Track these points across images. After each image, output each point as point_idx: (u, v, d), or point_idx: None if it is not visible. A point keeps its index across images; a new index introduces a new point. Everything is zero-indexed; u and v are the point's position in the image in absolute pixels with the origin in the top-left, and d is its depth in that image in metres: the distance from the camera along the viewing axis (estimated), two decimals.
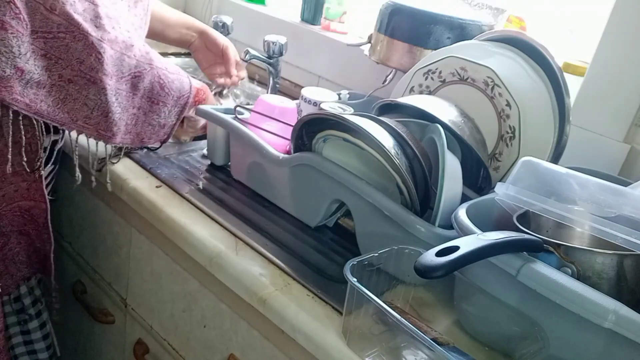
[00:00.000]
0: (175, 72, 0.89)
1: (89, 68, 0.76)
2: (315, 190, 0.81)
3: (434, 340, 0.57)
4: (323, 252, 0.79)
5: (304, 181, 0.82)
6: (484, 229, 0.61)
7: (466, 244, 0.55)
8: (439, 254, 0.54)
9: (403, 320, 0.55)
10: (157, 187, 0.88)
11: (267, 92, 1.27)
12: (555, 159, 0.87)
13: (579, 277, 0.57)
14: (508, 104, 0.82)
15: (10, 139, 0.78)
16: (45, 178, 0.90)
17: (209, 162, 0.99)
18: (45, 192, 0.89)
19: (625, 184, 0.68)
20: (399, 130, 0.74)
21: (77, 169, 0.86)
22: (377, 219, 0.73)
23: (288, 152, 0.85)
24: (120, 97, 0.81)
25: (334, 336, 0.63)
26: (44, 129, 0.83)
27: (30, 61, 0.72)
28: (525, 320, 0.58)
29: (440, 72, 0.88)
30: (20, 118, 0.78)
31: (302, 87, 1.02)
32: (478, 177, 0.83)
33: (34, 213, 0.89)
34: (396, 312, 0.55)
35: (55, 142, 0.91)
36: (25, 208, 0.88)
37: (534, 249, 0.59)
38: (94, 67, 0.76)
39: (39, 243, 0.93)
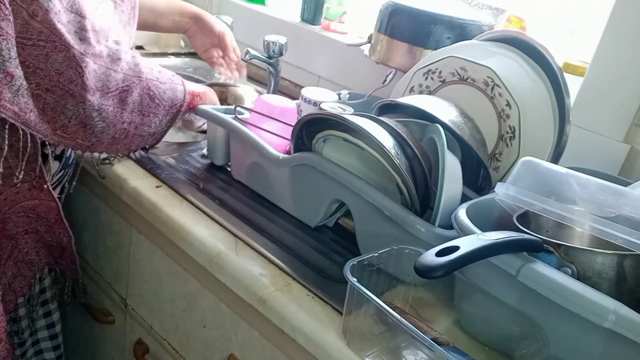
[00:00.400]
0: (168, 80, 0.87)
1: (68, 80, 0.73)
2: (315, 190, 0.81)
3: (434, 340, 0.57)
4: (323, 252, 0.79)
5: (304, 181, 0.82)
6: (484, 229, 0.61)
7: (466, 244, 0.55)
8: (439, 254, 0.54)
9: (403, 320, 0.55)
10: (157, 187, 0.88)
11: (267, 92, 1.27)
12: (555, 159, 0.87)
13: (579, 277, 0.57)
14: (508, 104, 0.82)
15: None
16: (54, 181, 0.89)
17: (209, 162, 0.99)
18: (52, 191, 0.87)
19: (625, 184, 0.68)
20: (399, 130, 0.74)
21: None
22: (377, 219, 0.73)
23: (288, 152, 0.85)
24: (105, 113, 0.78)
25: (334, 336, 0.63)
26: (29, 140, 0.79)
27: (20, 66, 0.70)
28: (525, 320, 0.58)
29: (440, 72, 0.88)
30: (7, 127, 0.75)
31: (302, 87, 1.02)
32: (478, 177, 0.83)
33: (40, 211, 0.88)
34: (396, 312, 0.55)
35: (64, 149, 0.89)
36: (29, 207, 0.87)
37: (534, 249, 0.59)
38: (73, 80, 0.74)
39: (50, 237, 0.92)
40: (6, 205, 0.84)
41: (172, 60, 1.49)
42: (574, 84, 0.91)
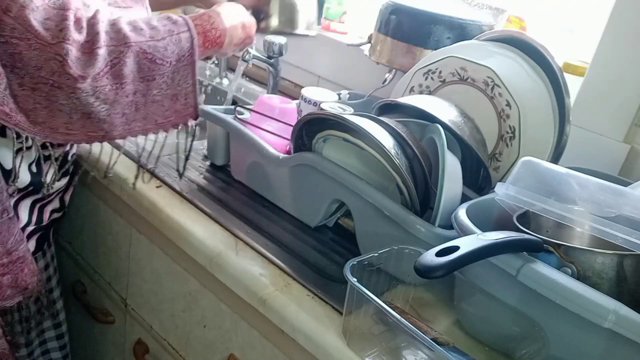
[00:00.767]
0: (167, 33, 0.76)
1: (50, 73, 0.68)
2: (315, 190, 0.81)
3: (434, 340, 0.57)
4: (323, 252, 0.79)
5: (304, 181, 0.82)
6: (484, 229, 0.61)
7: (466, 244, 0.55)
8: (439, 254, 0.54)
9: (403, 320, 0.55)
10: (157, 187, 0.88)
11: (267, 92, 1.27)
12: (555, 159, 0.87)
13: (579, 277, 0.57)
14: (508, 104, 0.82)
15: None
16: (59, 191, 0.87)
17: (209, 162, 0.99)
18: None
19: (625, 184, 0.68)
20: (399, 130, 0.74)
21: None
22: (377, 219, 0.73)
23: (288, 152, 0.85)
24: (103, 95, 0.71)
25: (334, 336, 0.63)
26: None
27: None
28: (525, 320, 0.58)
29: (440, 72, 0.88)
30: None
31: (302, 87, 1.01)
32: (478, 177, 0.83)
33: None
34: (396, 312, 0.55)
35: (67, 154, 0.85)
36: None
37: (534, 249, 0.59)
38: (56, 71, 0.68)
39: None
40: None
41: None
42: (574, 84, 0.91)
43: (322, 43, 1.35)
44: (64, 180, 0.88)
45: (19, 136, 0.76)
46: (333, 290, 0.70)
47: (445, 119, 0.78)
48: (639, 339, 0.50)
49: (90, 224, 1.03)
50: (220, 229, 0.80)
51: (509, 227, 0.64)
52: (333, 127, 0.77)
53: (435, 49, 0.94)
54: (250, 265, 0.73)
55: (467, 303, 0.66)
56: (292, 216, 0.86)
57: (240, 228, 0.80)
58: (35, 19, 0.66)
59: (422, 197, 0.74)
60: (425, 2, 1.00)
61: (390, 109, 0.86)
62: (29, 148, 0.78)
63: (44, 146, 0.80)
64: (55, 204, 0.89)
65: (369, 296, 0.57)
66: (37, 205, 0.85)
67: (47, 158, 0.82)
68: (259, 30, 0.93)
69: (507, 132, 0.83)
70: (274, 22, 0.99)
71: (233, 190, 0.91)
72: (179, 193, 0.86)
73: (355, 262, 0.62)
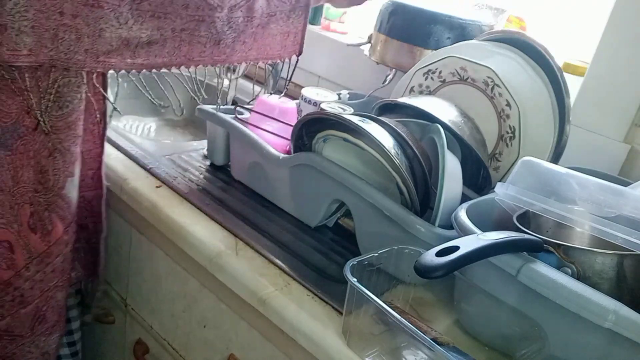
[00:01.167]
0: None
1: (195, 8, 0.75)
2: (315, 190, 0.81)
3: (434, 340, 0.57)
4: (323, 252, 0.79)
5: (304, 181, 0.82)
6: (484, 229, 0.61)
7: (466, 244, 0.55)
8: (439, 254, 0.54)
9: (403, 320, 0.55)
10: (157, 187, 0.88)
11: (267, 92, 1.27)
12: (555, 159, 0.87)
13: (579, 277, 0.57)
14: (508, 104, 0.82)
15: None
16: None
17: (209, 162, 0.99)
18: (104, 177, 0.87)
19: (625, 184, 0.68)
20: (399, 130, 0.74)
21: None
22: (377, 219, 0.73)
23: (288, 152, 0.85)
24: (235, 25, 0.79)
25: (334, 336, 0.63)
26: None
27: (134, 27, 0.71)
28: (525, 320, 0.58)
29: (440, 72, 0.88)
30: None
31: (302, 87, 1.02)
32: (478, 177, 0.83)
33: (94, 204, 0.88)
34: (396, 312, 0.55)
35: None
36: (88, 199, 0.87)
37: (534, 249, 0.59)
38: (199, 6, 0.75)
39: (94, 238, 0.92)
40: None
41: None
42: (574, 84, 0.91)
43: (322, 43, 1.35)
44: None
45: None
46: (333, 290, 0.70)
47: (445, 119, 0.78)
48: (639, 339, 0.50)
49: None
50: (220, 229, 0.80)
51: (509, 227, 0.64)
52: (333, 127, 0.77)
53: (436, 49, 0.94)
54: (250, 265, 0.73)
55: (467, 303, 0.66)
56: (292, 216, 0.86)
57: (240, 228, 0.80)
58: None
59: (422, 197, 0.74)
60: (426, 2, 1.00)
61: (390, 109, 0.86)
62: None
63: None
64: None
65: (369, 296, 0.57)
66: None
67: None
68: None
69: (507, 132, 0.83)
70: None
71: (233, 190, 0.91)
72: (179, 193, 0.86)
73: (355, 262, 0.62)
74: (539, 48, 0.86)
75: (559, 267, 0.58)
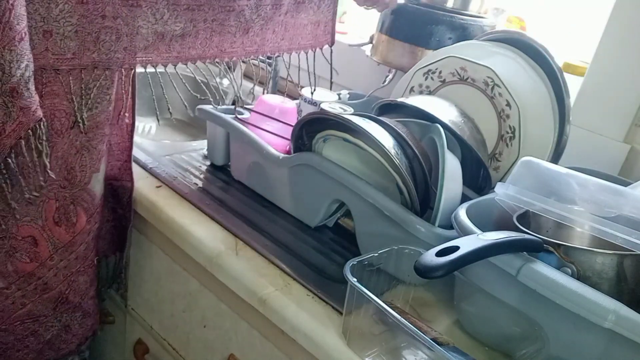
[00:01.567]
0: None
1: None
2: (315, 190, 0.81)
3: (434, 340, 0.57)
4: (323, 252, 0.79)
5: (304, 181, 0.82)
6: (484, 229, 0.61)
7: (466, 244, 0.55)
8: (439, 254, 0.54)
9: (403, 320, 0.55)
10: (157, 187, 0.88)
11: (267, 92, 1.27)
12: (555, 159, 0.87)
13: (579, 277, 0.57)
14: (508, 104, 0.82)
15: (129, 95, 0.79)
16: None
17: (209, 162, 0.99)
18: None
19: (625, 184, 0.68)
20: (399, 130, 0.74)
21: None
22: (377, 219, 0.73)
23: (288, 152, 0.85)
24: (263, 12, 0.82)
25: (334, 336, 0.63)
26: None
27: (169, 21, 0.73)
28: (525, 320, 0.58)
29: (440, 72, 0.88)
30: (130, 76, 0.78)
31: (302, 87, 1.02)
32: (478, 177, 0.83)
33: (120, 193, 0.88)
34: (396, 312, 0.55)
35: None
36: (115, 187, 0.87)
37: (534, 249, 0.59)
38: None
39: (125, 220, 0.92)
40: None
41: None
42: (574, 84, 0.92)
43: None
44: None
45: None
46: (333, 290, 0.70)
47: (445, 119, 0.78)
48: (639, 339, 0.50)
49: None
50: (220, 229, 0.80)
51: (509, 227, 0.64)
52: (333, 127, 0.77)
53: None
54: (250, 265, 0.73)
55: (467, 303, 0.66)
56: (292, 216, 0.86)
57: (240, 228, 0.80)
58: None
59: (422, 197, 0.74)
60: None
61: (390, 109, 0.86)
62: None
63: None
64: None
65: (369, 296, 0.57)
66: None
67: None
68: None
69: (507, 132, 0.83)
70: None
71: (233, 190, 0.91)
72: (179, 193, 0.86)
73: (355, 262, 0.62)
74: (539, 48, 0.86)
75: (559, 267, 0.58)
